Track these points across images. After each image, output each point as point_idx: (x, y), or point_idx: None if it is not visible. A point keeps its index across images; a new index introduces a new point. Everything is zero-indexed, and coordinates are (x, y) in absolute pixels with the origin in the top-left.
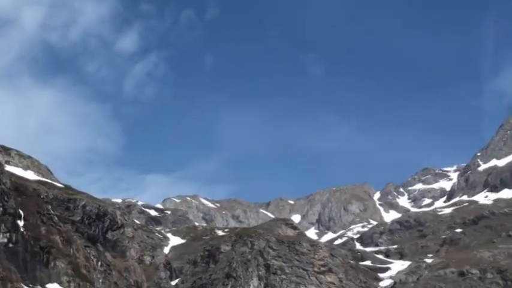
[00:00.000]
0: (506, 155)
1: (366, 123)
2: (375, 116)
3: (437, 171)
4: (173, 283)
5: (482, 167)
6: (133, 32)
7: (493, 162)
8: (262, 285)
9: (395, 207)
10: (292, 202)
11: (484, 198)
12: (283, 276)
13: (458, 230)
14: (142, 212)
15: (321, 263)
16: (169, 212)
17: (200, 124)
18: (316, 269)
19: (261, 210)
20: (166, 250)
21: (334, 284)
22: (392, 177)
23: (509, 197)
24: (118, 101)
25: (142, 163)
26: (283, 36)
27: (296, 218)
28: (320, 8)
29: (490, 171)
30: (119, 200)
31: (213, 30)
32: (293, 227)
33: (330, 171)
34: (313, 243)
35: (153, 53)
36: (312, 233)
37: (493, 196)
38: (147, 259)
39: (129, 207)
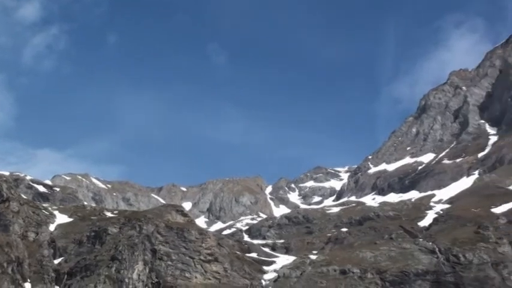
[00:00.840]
0: (396, 160)
1: (263, 117)
2: (273, 111)
3: (329, 170)
4: (56, 262)
5: (372, 170)
6: (36, 1)
7: (383, 166)
8: (147, 269)
9: (286, 202)
10: (184, 189)
11: (371, 200)
12: (169, 263)
13: (344, 229)
14: (30, 187)
15: (208, 251)
16: (58, 189)
17: (97, 102)
18: (202, 257)
19: (153, 194)
20: (51, 228)
21: (219, 273)
22: (285, 172)
23: (395, 201)
24: (14, 71)
25: (34, 137)
26: (190, 22)
27: (187, 206)
28: None
29: (379, 174)
30: (7, 173)
31: (118, 9)
32: (183, 214)
33: (225, 162)
34: (202, 232)
35: (55, 25)
36: (201, 222)
37: (379, 199)
38: (31, 235)
39: (16, 180)
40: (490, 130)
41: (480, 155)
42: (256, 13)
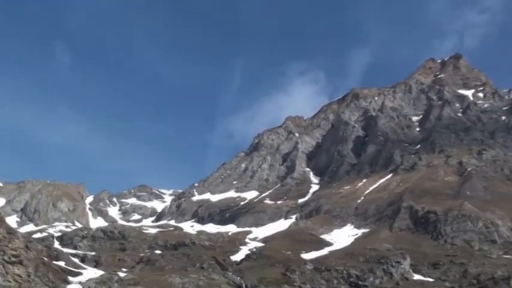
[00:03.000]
0: (221, 192)
1: (99, 125)
2: (109, 121)
3: (153, 190)
4: None
5: (196, 197)
6: None
7: (207, 195)
8: None
9: (105, 215)
10: (0, 184)
11: (190, 227)
12: None
13: (158, 252)
14: None
15: (14, 253)
16: None
17: None
18: (6, 258)
19: None
20: None
21: (21, 277)
22: (109, 185)
23: (213, 231)
24: None
25: None
26: (40, 14)
27: (0, 202)
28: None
29: (202, 203)
30: None
31: None
32: None
33: (50, 163)
34: (11, 231)
35: None
36: (13, 221)
37: (198, 227)
38: None
39: None
40: (314, 179)
41: (300, 200)
42: (110, 21)
